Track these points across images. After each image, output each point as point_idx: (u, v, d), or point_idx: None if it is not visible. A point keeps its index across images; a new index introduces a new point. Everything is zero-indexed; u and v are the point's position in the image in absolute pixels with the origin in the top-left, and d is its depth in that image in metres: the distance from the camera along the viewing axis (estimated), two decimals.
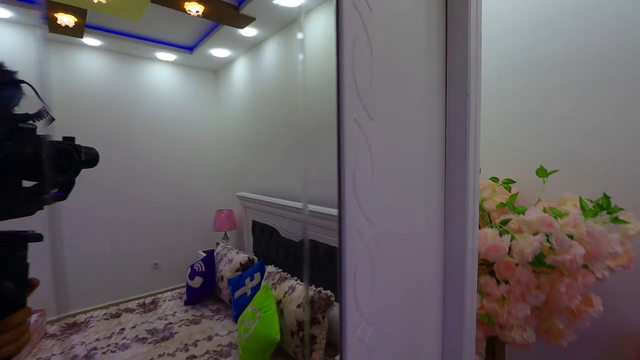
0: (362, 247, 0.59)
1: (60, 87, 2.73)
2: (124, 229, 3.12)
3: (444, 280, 0.79)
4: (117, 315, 2.21)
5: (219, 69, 3.59)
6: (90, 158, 0.57)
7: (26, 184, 0.51)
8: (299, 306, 1.61)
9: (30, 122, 0.49)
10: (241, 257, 2.30)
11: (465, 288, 0.75)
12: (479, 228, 0.81)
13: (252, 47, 2.92)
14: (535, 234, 0.86)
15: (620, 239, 0.88)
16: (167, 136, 3.39)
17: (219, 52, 3.04)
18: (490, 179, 1.16)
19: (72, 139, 0.55)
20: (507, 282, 0.89)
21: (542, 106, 1.19)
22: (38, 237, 0.53)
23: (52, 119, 0.52)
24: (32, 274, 0.58)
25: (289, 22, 2.40)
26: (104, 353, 1.80)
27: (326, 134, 2.24)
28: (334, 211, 0.57)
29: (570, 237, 0.83)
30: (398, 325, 0.68)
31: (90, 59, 2.88)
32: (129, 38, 2.71)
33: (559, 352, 1.13)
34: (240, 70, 3.21)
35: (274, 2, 2.05)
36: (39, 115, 0.50)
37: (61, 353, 1.83)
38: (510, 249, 0.89)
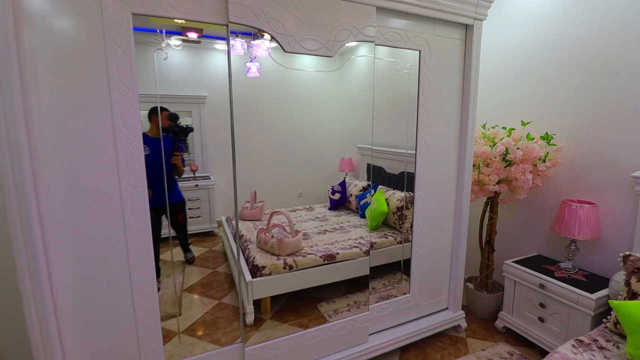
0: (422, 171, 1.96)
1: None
2: (280, 167, 5.02)
3: (457, 176, 2.08)
4: (294, 211, 4.06)
5: (344, 52, 5.02)
6: (191, 130, 2.21)
7: None
8: (398, 200, 3.06)
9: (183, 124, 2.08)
10: (363, 183, 3.85)
11: (464, 178, 2.04)
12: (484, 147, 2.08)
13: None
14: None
15: (547, 150, 2.02)
16: (307, 103, 5.06)
17: (350, 43, 4.47)
18: (502, 127, 2.33)
19: (187, 125, 2.19)
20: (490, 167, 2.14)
21: (529, 91, 2.27)
22: (191, 129, 2.22)
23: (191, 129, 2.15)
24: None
25: None
26: (296, 222, 3.60)
27: (411, 111, 3.60)
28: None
29: (518, 148, 2.02)
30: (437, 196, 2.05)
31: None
32: None
33: (522, 205, 2.32)
34: (360, 57, 4.55)
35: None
36: (186, 125, 2.10)
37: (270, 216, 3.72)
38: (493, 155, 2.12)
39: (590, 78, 1.96)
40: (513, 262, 2.18)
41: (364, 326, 1.93)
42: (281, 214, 2.73)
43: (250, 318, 2.28)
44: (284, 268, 2.43)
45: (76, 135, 1.18)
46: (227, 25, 1.34)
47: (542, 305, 1.98)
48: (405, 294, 2.15)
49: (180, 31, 1.57)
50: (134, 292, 1.32)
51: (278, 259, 2.47)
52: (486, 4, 1.87)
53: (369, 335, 1.98)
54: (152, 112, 2.19)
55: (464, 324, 2.26)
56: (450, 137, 2.04)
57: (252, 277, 2.37)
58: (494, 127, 2.34)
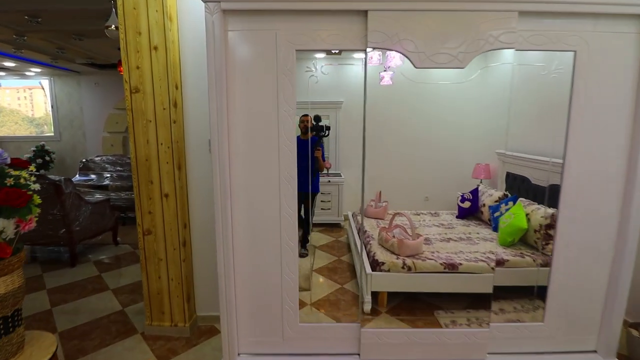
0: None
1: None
2: (408, 170, 5.04)
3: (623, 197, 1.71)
4: (418, 215, 4.06)
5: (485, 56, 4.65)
6: (328, 128, 2.49)
7: None
8: (543, 217, 2.68)
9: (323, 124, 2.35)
10: (499, 193, 3.51)
11: (632, 200, 1.66)
12: None
13: None
14: None
15: None
16: (442, 107, 4.89)
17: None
18: None
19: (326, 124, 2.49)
20: None
21: None
22: (328, 128, 2.58)
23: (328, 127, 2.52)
24: None
25: None
26: (419, 226, 3.62)
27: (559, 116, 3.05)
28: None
29: None
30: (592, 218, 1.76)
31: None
32: None
33: None
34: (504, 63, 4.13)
35: None
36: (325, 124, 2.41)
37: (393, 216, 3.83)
38: None
39: None
40: None
41: (482, 342, 1.86)
42: (404, 216, 2.84)
43: (367, 307, 2.51)
44: (402, 267, 2.55)
45: (254, 136, 1.67)
46: (365, 50, 1.59)
47: None
48: (538, 322, 1.93)
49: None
50: (282, 233, 1.75)
51: (397, 258, 2.61)
52: None
53: (488, 354, 1.89)
54: (301, 117, 2.71)
55: None
56: (616, 149, 1.71)
57: (372, 270, 2.60)
58: None
